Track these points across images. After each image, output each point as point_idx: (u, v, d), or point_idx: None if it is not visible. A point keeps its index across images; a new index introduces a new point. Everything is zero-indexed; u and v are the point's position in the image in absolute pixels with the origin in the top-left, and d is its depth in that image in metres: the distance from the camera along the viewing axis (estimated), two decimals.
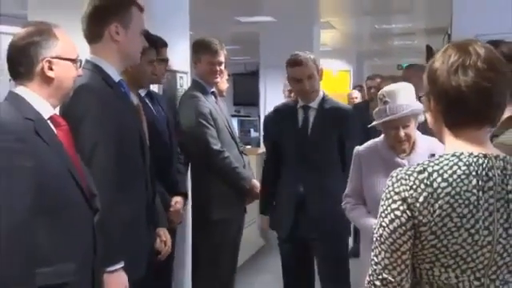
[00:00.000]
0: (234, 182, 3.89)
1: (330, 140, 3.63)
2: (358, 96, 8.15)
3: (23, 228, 1.92)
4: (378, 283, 1.59)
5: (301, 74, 3.63)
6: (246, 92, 9.74)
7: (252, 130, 9.19)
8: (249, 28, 9.35)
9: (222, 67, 4.03)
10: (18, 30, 2.17)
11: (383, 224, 1.57)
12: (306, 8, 8.47)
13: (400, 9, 8.49)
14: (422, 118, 2.75)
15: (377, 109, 2.90)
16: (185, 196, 3.58)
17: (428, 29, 10.30)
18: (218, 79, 4.04)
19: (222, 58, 3.97)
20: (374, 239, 1.61)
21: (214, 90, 4.01)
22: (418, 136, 2.89)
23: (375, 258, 1.60)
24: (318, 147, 3.64)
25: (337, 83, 12.38)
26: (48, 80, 2.10)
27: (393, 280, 1.56)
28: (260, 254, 6.94)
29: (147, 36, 3.24)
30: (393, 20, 9.51)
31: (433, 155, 2.51)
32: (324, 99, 3.73)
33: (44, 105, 2.10)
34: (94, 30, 2.54)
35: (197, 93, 3.91)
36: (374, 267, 1.60)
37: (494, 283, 1.56)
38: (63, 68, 2.13)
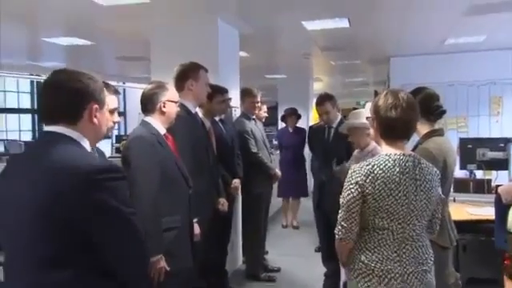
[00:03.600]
0: (264, 170, 3.87)
1: (341, 147, 3.32)
2: None
3: (155, 194, 1.95)
4: (339, 227, 1.66)
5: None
6: (268, 118, 9.69)
7: (273, 140, 9.13)
8: (271, 81, 9.33)
9: (259, 104, 4.03)
10: (146, 86, 2.21)
11: (344, 195, 1.63)
12: (305, 70, 8.44)
13: (358, 71, 8.46)
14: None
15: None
16: (240, 179, 3.55)
17: (375, 81, 10.19)
18: (257, 111, 4.05)
19: (258, 99, 3.97)
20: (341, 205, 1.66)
21: (254, 117, 3.99)
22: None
23: (339, 214, 1.66)
24: (333, 152, 3.45)
25: None
26: (163, 113, 2.13)
27: (346, 226, 1.63)
28: (277, 213, 6.89)
29: (217, 86, 3.24)
30: (354, 76, 9.44)
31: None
32: (341, 122, 3.48)
33: (160, 127, 2.13)
34: (179, 84, 2.55)
35: (243, 119, 3.91)
36: (338, 219, 1.66)
37: (409, 226, 1.61)
38: (171, 106, 2.16)
